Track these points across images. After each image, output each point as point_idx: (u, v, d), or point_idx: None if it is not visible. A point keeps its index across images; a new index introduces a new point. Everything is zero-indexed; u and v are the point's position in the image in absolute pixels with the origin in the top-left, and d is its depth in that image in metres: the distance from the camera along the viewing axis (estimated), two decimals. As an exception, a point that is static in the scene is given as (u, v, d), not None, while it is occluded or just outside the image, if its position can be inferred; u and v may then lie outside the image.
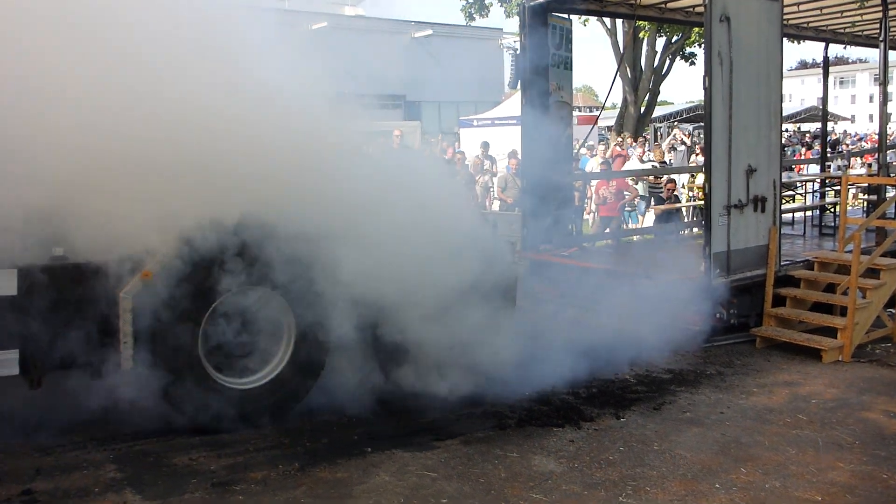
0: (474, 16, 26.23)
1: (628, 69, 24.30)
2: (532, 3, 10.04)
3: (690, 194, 15.58)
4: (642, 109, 25.49)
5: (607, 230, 13.02)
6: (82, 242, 4.79)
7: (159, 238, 4.92)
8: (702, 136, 23.19)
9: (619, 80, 22.43)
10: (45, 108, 4.55)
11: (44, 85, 4.58)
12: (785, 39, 9.40)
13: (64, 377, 5.07)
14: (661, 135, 28.70)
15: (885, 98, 10.02)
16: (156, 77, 4.91)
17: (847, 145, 29.30)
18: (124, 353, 4.92)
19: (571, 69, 10.79)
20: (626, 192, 13.55)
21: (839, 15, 11.59)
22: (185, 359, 5.15)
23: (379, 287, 5.34)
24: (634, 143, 19.53)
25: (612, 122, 27.02)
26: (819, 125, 26.95)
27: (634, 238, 12.85)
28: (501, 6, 25.86)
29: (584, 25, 25.44)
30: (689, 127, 30.47)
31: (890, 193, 10.68)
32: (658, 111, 30.55)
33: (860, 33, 13.07)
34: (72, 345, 4.88)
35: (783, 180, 9.40)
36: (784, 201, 10.67)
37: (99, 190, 4.74)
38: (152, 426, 5.28)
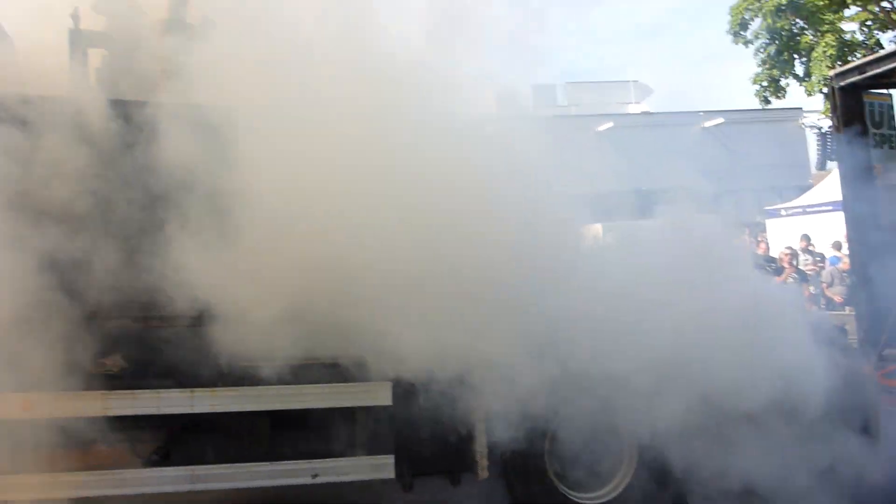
0: (769, 98, 25.04)
1: (966, 136, 21.17)
2: (843, 84, 9.36)
3: None
4: None
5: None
6: (445, 356, 5.16)
7: (512, 357, 5.21)
8: None
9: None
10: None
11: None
12: None
13: (428, 483, 5.51)
14: None
15: None
16: (471, 201, 5.16)
17: None
18: (480, 462, 5.28)
19: (898, 146, 9.79)
20: None
21: None
22: (533, 471, 5.41)
23: (725, 402, 5.17)
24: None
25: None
26: None
27: None
28: (801, 85, 24.36)
29: (904, 95, 22.81)
30: None
31: None
32: None
33: None
34: (436, 452, 5.31)
35: None
36: None
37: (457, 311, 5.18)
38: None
